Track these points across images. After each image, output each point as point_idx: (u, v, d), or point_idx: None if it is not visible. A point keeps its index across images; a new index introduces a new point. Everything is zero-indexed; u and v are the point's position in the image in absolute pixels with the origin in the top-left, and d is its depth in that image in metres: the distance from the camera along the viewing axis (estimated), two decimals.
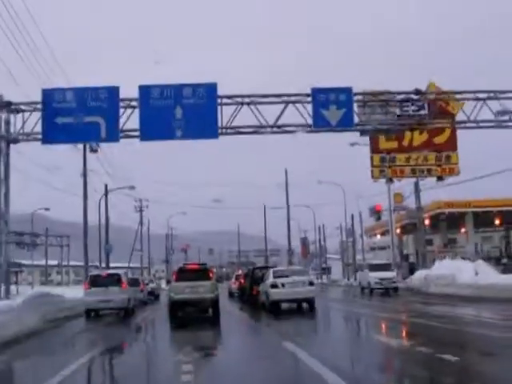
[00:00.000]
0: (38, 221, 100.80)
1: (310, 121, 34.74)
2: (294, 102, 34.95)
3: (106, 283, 36.36)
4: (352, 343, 19.76)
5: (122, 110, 34.28)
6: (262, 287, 36.22)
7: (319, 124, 34.61)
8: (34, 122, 34.20)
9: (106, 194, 67.42)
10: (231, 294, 60.80)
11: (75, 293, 43.82)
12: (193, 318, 31.00)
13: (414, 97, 36.95)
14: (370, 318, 28.88)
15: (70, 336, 26.27)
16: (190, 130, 33.92)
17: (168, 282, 49.86)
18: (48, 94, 34.02)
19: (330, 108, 34.50)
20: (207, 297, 31.23)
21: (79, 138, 34.48)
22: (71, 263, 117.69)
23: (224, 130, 34.75)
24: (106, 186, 67.45)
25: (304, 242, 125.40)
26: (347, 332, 24.61)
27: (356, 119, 35.53)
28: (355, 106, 35.56)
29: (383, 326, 25.31)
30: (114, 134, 33.91)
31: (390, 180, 64.90)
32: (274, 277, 34.60)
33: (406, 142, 63.66)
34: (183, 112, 33.88)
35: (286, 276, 34.65)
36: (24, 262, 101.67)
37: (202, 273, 32.37)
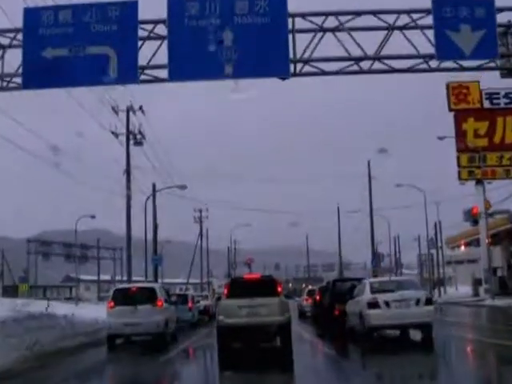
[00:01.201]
0: (101, 235, 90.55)
1: (429, 50, 21.68)
2: (401, 28, 21.87)
3: (136, 300, 25.38)
4: None
5: (141, 38, 21.68)
6: (352, 307, 23.96)
7: (445, 53, 21.63)
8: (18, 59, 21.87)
9: (153, 195, 54.97)
10: (302, 314, 47.55)
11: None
12: (252, 353, 20.70)
13: None
14: None
15: None
16: (246, 64, 21.28)
17: (218, 299, 36.47)
18: (32, 16, 21.75)
19: (462, 28, 21.33)
20: (274, 320, 19.96)
21: (77, 77, 21.47)
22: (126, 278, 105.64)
23: (298, 67, 21.84)
24: (154, 185, 55.07)
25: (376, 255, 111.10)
26: None
27: None
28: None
29: None
30: (130, 71, 21.43)
31: (480, 182, 55.91)
32: (373, 292, 21.77)
33: (497, 139, 55.80)
34: (235, 37, 21.24)
35: (391, 291, 21.72)
36: (83, 277, 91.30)
37: (265, 286, 21.02)
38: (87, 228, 79.31)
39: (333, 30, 21.84)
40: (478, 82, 54.37)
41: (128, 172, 45.95)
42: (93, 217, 69.49)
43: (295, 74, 21.90)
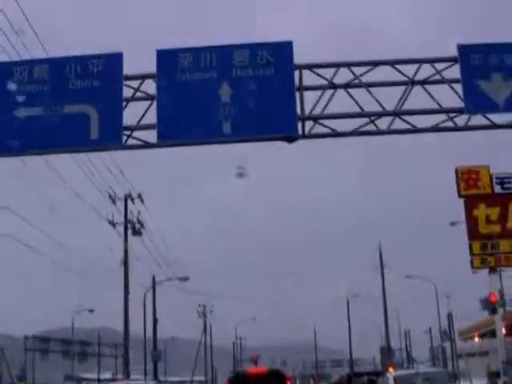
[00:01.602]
0: (104, 333, 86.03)
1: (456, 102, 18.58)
2: (424, 82, 18.87)
3: None
4: None
5: (126, 94, 18.64)
6: None
7: (475, 106, 18.41)
8: None
9: (153, 288, 51.34)
10: None
11: None
12: None
13: None
14: None
15: None
16: (247, 123, 18.13)
17: None
18: (4, 71, 18.73)
19: (493, 78, 18.26)
20: None
21: (53, 140, 18.14)
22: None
23: (307, 127, 18.72)
24: (154, 277, 51.43)
25: (385, 350, 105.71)
26: None
27: None
28: None
29: None
30: (113, 132, 18.25)
31: (493, 270, 50.02)
32: None
33: (510, 225, 49.91)
34: (234, 91, 18.11)
35: None
36: (84, 375, 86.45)
37: (273, 382, 16.19)
38: (89, 326, 75.23)
39: (345, 86, 18.83)
40: (488, 166, 51.66)
41: (126, 263, 42.83)
42: (91, 311, 65.49)
43: (304, 136, 18.73)
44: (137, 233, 44.62)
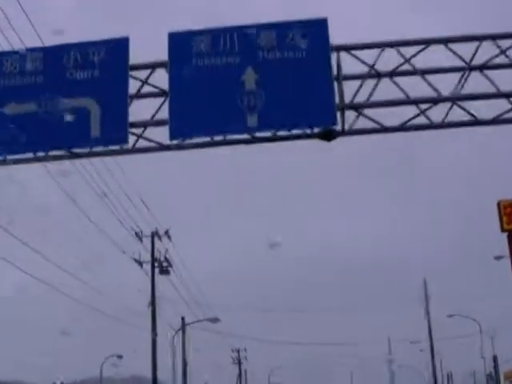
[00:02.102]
0: (134, 382, 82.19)
1: None
2: (481, 68, 15.53)
3: None
4: None
5: (133, 86, 15.54)
6: None
7: None
8: None
9: (183, 330, 47.75)
10: None
11: None
12: None
13: None
14: None
15: None
16: (275, 113, 14.83)
17: None
18: None
19: None
20: None
21: (48, 140, 15.05)
22: None
23: (347, 121, 15.43)
24: (183, 319, 47.92)
25: None
26: None
27: None
28: None
29: None
30: (117, 130, 15.04)
31: None
32: None
33: None
34: (260, 77, 14.92)
35: None
36: None
37: None
38: (119, 375, 71.30)
39: (392, 74, 15.59)
40: None
41: (153, 304, 39.75)
42: (120, 357, 61.70)
43: (343, 132, 15.45)
44: (164, 272, 41.80)
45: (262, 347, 73.26)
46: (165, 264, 41.89)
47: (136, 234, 39.46)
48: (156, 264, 41.04)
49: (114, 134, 14.92)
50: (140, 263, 40.28)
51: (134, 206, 34.00)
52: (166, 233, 41.58)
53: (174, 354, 46.93)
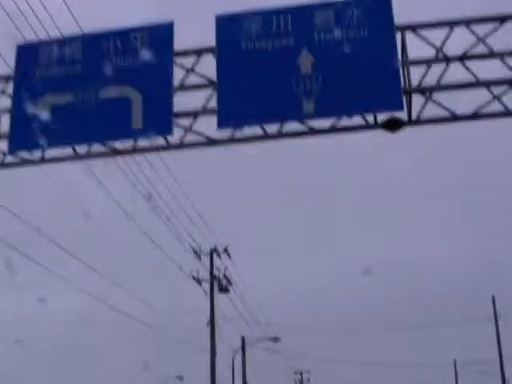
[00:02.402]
0: None
1: None
2: None
3: None
4: None
5: (178, 73, 14.10)
6: None
7: None
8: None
9: (243, 350, 46.08)
10: None
11: None
12: None
13: None
14: None
15: None
16: (334, 98, 13.18)
17: None
18: (28, 55, 14.49)
19: None
20: None
21: (86, 132, 13.80)
22: None
23: (414, 108, 13.67)
24: (243, 338, 46.26)
25: None
26: None
27: None
28: None
29: None
30: (161, 120, 13.58)
31: None
32: None
33: None
34: (316, 60, 13.32)
35: None
36: None
37: None
38: None
39: (462, 57, 13.81)
40: None
41: (212, 323, 38.22)
42: (180, 378, 60.06)
43: (410, 121, 13.71)
44: (224, 290, 40.29)
45: (327, 369, 70.39)
46: (224, 282, 40.42)
47: (194, 251, 38.07)
48: (215, 282, 39.64)
49: (158, 124, 13.51)
50: (199, 281, 38.87)
51: (189, 217, 32.30)
52: (226, 250, 40.11)
53: (233, 375, 45.18)
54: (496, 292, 52.99)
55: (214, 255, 39.48)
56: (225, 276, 40.18)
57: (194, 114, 13.94)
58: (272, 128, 13.80)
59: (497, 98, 13.76)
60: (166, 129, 13.55)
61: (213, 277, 39.35)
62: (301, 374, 77.29)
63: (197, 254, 38.31)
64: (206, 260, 39.13)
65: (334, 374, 70.07)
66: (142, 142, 14.41)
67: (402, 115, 13.62)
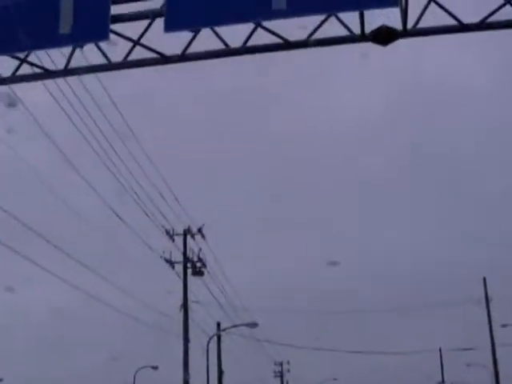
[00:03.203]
0: None
1: None
2: None
3: None
4: None
5: None
6: None
7: None
8: None
9: (218, 336, 43.25)
10: None
11: None
12: None
13: None
14: None
15: None
16: None
17: None
18: None
19: None
20: None
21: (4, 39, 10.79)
22: None
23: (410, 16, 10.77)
24: (219, 324, 43.45)
25: None
26: None
27: None
28: None
29: None
30: (95, 22, 10.51)
31: None
32: None
33: None
34: None
35: None
36: None
37: None
38: None
39: None
40: None
41: (185, 308, 35.72)
42: (154, 367, 56.79)
43: (406, 32, 10.82)
44: (198, 273, 37.73)
45: (307, 357, 67.71)
46: (198, 264, 37.84)
47: (167, 232, 35.44)
48: (188, 265, 37.13)
49: (91, 28, 10.48)
50: (172, 263, 36.37)
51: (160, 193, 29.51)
52: (200, 231, 37.49)
53: (208, 362, 42.44)
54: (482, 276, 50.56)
55: (188, 236, 37.08)
56: (199, 258, 37.62)
57: (132, 18, 10.88)
58: (235, 39, 10.85)
59: (509, 2, 10.91)
60: (100, 33, 10.52)
61: (186, 258, 36.80)
62: (281, 364, 74.97)
63: (170, 235, 35.75)
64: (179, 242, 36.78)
65: (315, 362, 67.51)
66: (77, 61, 11.42)
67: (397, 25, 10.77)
